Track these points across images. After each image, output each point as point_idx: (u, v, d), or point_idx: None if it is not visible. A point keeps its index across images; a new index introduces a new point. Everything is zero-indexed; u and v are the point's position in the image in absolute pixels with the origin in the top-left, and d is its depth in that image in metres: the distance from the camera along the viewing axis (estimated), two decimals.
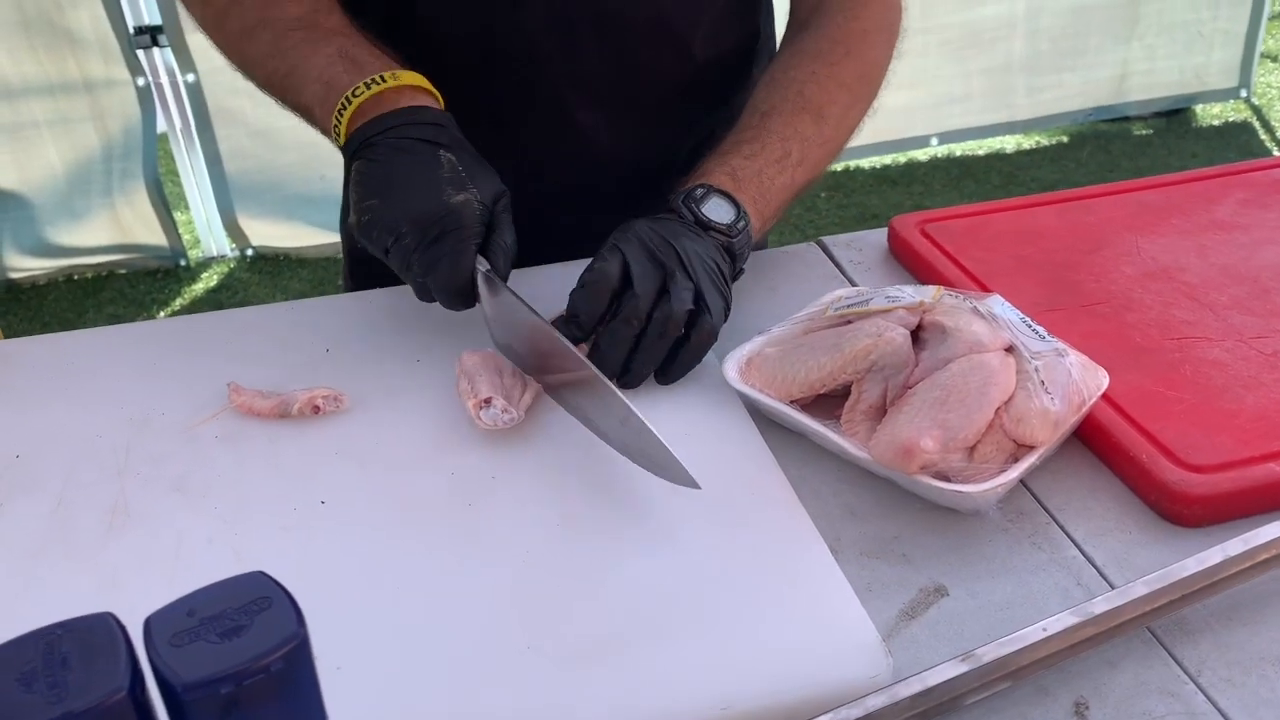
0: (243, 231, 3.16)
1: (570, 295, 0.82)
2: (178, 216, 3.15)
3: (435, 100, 0.88)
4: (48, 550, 0.70)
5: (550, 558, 0.69)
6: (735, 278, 0.89)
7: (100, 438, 0.79)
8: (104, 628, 0.43)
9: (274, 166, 3.01)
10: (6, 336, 3.06)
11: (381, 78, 0.84)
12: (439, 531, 0.71)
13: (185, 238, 3.18)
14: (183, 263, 3.15)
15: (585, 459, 0.77)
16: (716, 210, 0.87)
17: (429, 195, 0.80)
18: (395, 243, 0.80)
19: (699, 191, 0.88)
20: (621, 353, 0.81)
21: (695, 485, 0.70)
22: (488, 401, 0.77)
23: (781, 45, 1.05)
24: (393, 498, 0.74)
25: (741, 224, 0.87)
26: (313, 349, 0.89)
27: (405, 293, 0.96)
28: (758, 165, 0.92)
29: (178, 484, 0.75)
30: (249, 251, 3.19)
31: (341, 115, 0.84)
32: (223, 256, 3.19)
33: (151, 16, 2.85)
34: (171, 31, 2.82)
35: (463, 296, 0.81)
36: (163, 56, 2.87)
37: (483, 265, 0.81)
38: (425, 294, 0.83)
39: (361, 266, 1.13)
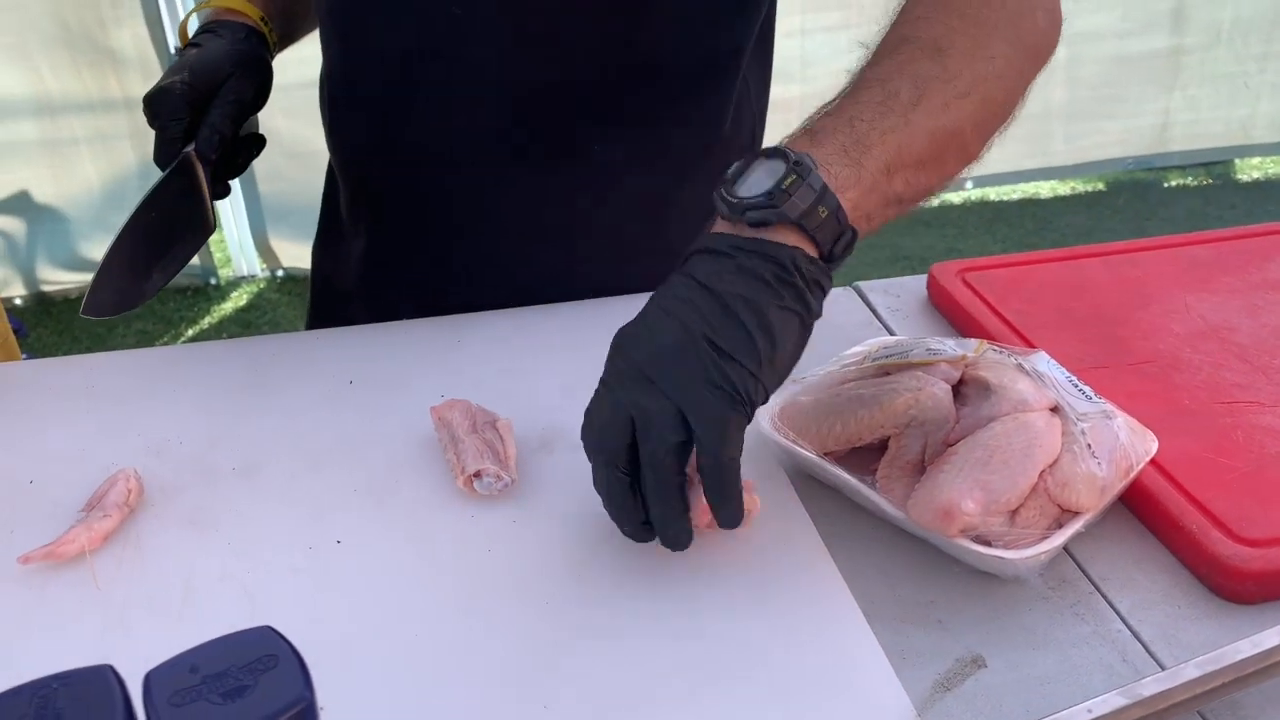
0: (274, 252, 3.17)
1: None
2: None
3: (248, 16, 0.98)
4: (51, 585, 0.68)
5: (569, 611, 0.66)
6: (826, 273, 0.65)
7: (115, 466, 0.77)
8: (101, 682, 0.41)
9: (307, 188, 2.99)
10: (35, 349, 3.05)
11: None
12: (456, 576, 0.69)
13: (216, 256, 3.19)
14: (213, 281, 3.16)
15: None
16: (756, 182, 0.64)
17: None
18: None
19: (735, 168, 0.66)
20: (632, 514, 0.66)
21: None
22: (478, 475, 0.74)
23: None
24: (410, 540, 0.72)
25: (790, 180, 0.63)
26: (336, 380, 0.87)
27: (432, 324, 0.95)
28: (846, 114, 0.68)
29: (191, 517, 0.73)
30: (279, 272, 3.20)
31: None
32: (253, 277, 3.20)
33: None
34: None
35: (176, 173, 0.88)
36: None
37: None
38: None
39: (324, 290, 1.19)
